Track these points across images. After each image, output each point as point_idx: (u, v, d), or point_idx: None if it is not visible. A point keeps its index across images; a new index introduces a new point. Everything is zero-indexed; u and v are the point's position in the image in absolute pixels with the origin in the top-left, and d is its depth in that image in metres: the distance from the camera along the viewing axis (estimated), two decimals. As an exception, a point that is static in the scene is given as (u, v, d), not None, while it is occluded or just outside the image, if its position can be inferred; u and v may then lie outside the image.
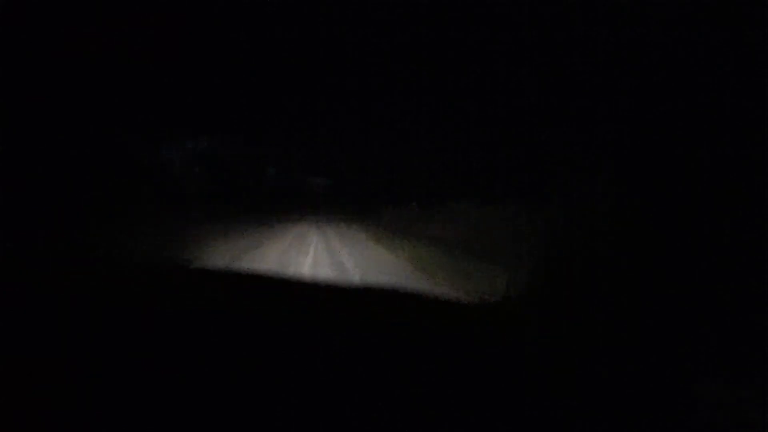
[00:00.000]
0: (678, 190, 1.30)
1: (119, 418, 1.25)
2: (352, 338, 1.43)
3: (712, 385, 1.19)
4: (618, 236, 1.37)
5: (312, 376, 1.33)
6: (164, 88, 2.08)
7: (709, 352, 1.23)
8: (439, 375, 1.31)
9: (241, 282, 1.94)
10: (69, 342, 1.52)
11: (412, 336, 1.46)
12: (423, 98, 2.03)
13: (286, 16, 1.62)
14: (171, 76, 1.99)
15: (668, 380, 1.24)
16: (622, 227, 1.37)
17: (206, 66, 1.91)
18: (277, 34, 1.68)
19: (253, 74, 1.97)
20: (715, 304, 1.23)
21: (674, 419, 1.19)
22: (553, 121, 1.63)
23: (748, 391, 1.15)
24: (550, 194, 1.67)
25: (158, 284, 1.85)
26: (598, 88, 1.47)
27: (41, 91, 1.93)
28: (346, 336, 1.44)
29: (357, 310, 1.63)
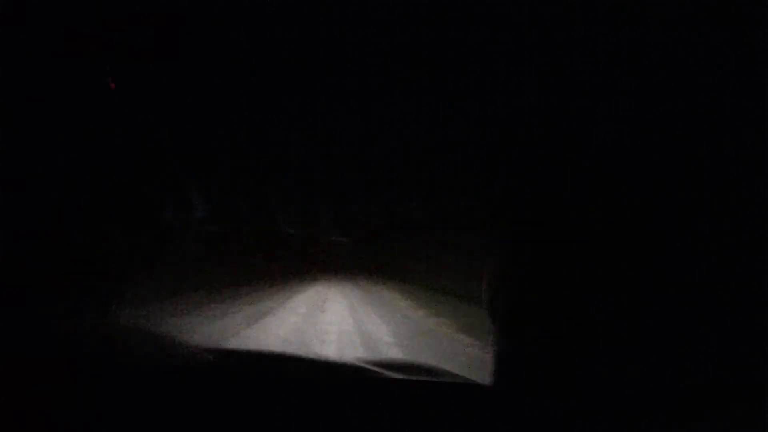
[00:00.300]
0: (678, 189, 1.30)
1: (119, 418, 1.25)
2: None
3: (712, 385, 1.20)
4: (617, 237, 1.37)
5: None
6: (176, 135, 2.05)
7: (709, 352, 1.23)
8: None
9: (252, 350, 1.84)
10: (68, 342, 1.52)
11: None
12: (449, 155, 2.02)
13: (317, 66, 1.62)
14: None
15: (669, 380, 1.24)
16: (621, 228, 1.37)
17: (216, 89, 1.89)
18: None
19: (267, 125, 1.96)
20: (715, 304, 1.23)
21: (674, 419, 1.19)
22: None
23: (749, 392, 1.15)
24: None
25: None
26: (598, 88, 1.46)
27: (41, 91, 1.93)
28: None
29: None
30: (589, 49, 1.42)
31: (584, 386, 1.31)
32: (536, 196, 1.55)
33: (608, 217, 1.39)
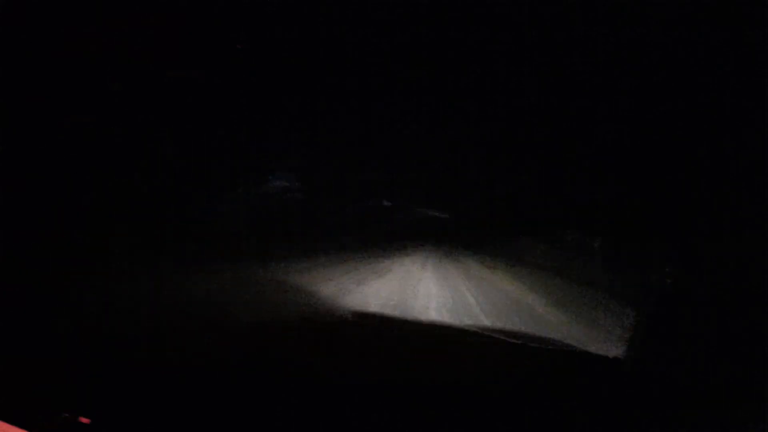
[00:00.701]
0: (677, 189, 1.30)
1: (119, 418, 1.25)
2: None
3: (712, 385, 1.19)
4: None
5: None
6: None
7: (709, 352, 1.23)
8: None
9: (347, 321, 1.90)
10: (68, 342, 1.52)
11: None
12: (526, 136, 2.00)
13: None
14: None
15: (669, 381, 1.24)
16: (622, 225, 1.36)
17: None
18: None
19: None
20: (715, 305, 1.23)
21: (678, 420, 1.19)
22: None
23: (749, 392, 1.15)
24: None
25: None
26: (598, 88, 1.46)
27: (41, 91, 1.92)
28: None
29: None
30: (589, 49, 1.42)
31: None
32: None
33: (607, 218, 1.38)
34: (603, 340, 1.95)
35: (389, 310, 2.81)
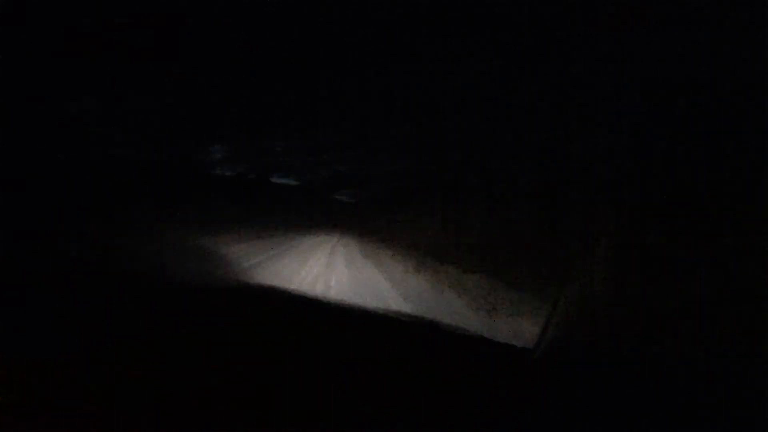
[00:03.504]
0: (677, 188, 1.30)
1: (119, 418, 1.25)
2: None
3: (712, 385, 1.19)
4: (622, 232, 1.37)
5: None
6: (173, 90, 2.06)
7: (709, 352, 1.23)
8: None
9: (253, 293, 1.94)
10: (68, 342, 1.52)
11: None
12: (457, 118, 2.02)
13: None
14: (179, 78, 1.97)
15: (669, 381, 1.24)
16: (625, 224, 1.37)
17: (219, 67, 1.88)
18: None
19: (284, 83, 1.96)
20: (715, 305, 1.23)
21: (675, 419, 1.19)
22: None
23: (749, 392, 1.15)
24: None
25: (165, 293, 1.84)
26: (598, 88, 1.46)
27: (41, 91, 1.93)
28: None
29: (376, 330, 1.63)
30: (589, 49, 1.42)
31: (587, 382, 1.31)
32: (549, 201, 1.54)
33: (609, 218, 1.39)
34: (513, 334, 1.98)
35: (296, 287, 2.90)
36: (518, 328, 2.05)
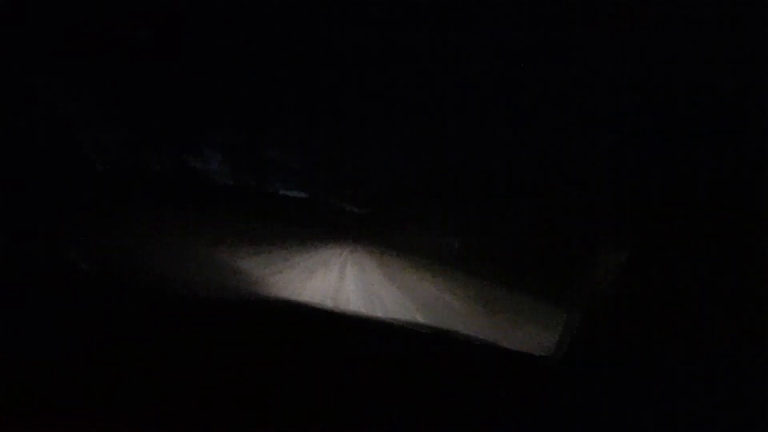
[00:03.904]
0: (677, 188, 1.30)
1: (119, 418, 1.25)
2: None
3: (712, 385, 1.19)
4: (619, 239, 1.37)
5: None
6: (178, 92, 2.07)
7: (709, 353, 1.23)
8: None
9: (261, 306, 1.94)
10: (68, 342, 1.52)
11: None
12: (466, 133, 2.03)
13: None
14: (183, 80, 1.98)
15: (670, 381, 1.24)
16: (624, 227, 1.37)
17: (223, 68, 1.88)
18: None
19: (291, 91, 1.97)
20: (715, 304, 1.23)
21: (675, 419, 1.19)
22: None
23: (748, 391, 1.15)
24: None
25: (173, 301, 1.83)
26: (597, 88, 1.46)
27: (41, 91, 1.93)
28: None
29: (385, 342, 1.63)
30: (589, 49, 1.42)
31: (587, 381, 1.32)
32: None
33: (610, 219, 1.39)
34: (522, 339, 1.98)
35: (307, 299, 2.91)
36: (532, 333, 2.05)
